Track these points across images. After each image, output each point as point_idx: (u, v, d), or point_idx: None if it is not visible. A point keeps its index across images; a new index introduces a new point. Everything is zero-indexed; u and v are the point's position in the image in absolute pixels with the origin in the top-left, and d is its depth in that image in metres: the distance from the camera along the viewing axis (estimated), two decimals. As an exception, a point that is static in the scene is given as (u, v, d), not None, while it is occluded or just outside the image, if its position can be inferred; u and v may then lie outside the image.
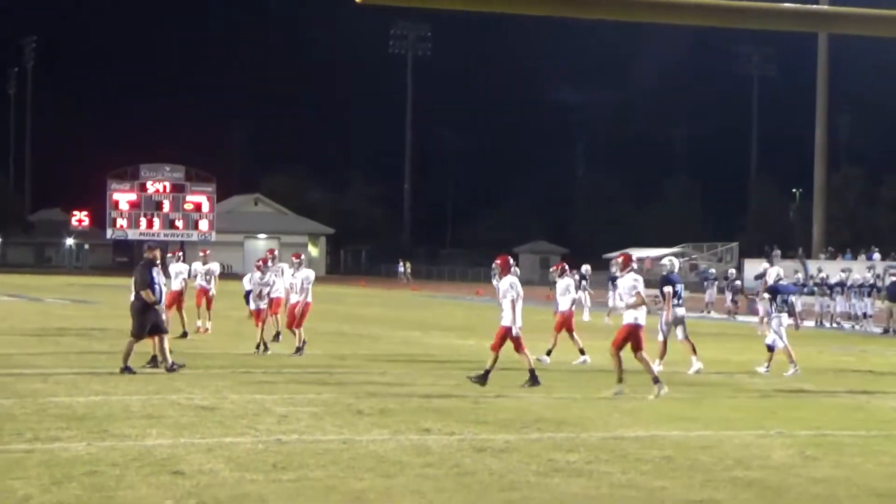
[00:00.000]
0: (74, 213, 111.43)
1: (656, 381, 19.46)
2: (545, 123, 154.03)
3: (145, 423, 15.03)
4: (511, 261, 21.43)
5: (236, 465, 12.33)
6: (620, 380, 19.51)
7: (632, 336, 19.62)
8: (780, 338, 24.37)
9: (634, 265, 20.63)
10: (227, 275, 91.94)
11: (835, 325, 45.87)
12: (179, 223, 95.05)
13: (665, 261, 25.65)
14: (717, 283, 54.83)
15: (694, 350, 24.27)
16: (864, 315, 45.00)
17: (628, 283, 20.01)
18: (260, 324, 26.43)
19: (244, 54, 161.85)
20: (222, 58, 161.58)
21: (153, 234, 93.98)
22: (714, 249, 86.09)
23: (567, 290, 25.67)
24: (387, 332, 34.36)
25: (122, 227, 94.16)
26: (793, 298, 26.02)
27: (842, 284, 45.90)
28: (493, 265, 21.62)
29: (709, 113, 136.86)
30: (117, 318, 29.86)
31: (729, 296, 51.38)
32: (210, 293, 31.84)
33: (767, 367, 24.32)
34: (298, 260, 26.69)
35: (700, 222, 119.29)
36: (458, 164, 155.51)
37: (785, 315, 24.80)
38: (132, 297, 21.87)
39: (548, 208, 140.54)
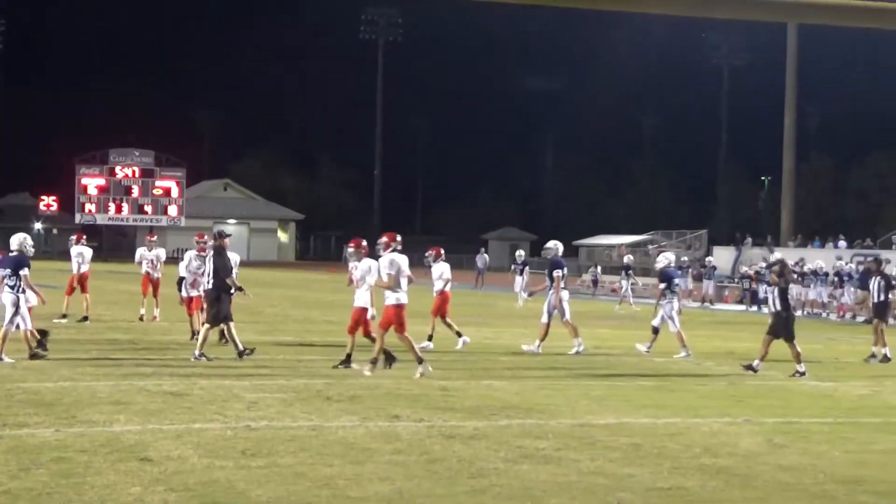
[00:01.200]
0: (43, 197, 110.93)
1: (420, 360, 19.68)
2: (516, 110, 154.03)
3: (113, 409, 15.00)
4: (364, 243, 21.42)
5: (205, 451, 12.31)
6: (377, 359, 19.95)
7: (396, 317, 19.81)
8: (674, 322, 25.05)
9: (399, 246, 20.64)
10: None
11: (807, 313, 46.06)
12: (148, 208, 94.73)
13: (551, 244, 25.86)
14: (691, 270, 54.74)
15: (576, 332, 24.89)
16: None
17: (384, 263, 20.14)
18: (195, 312, 25.22)
19: (215, 39, 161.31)
20: (192, 42, 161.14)
21: (122, 220, 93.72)
22: (683, 237, 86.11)
23: (441, 275, 25.75)
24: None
25: (90, 211, 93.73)
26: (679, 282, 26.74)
27: (815, 273, 46.13)
28: (349, 248, 21.59)
29: (679, 101, 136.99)
30: (84, 303, 29.59)
31: (709, 284, 52.11)
32: (157, 280, 30.55)
33: (649, 347, 25.08)
34: (204, 241, 25.39)
35: (670, 210, 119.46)
36: (428, 151, 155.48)
37: (676, 300, 25.54)
38: (209, 286, 21.88)
39: (518, 195, 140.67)
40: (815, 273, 46.11)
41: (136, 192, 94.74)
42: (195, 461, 11.79)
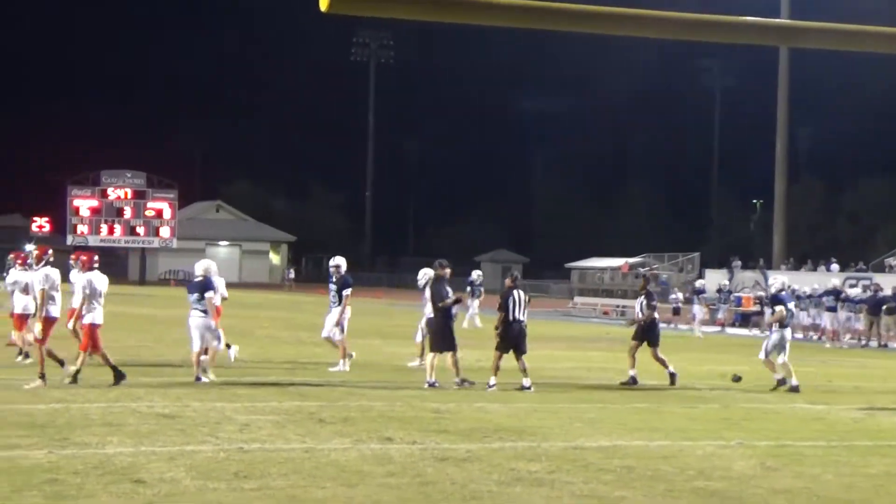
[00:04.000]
0: (35, 218, 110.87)
1: (41, 376, 19.84)
2: (509, 132, 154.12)
3: (106, 431, 14.96)
4: (95, 257, 21.60)
5: (198, 473, 12.29)
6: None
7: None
8: (422, 334, 25.69)
9: (50, 259, 21.47)
10: (187, 282, 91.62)
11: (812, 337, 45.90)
12: (140, 230, 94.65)
13: (338, 261, 25.74)
14: (705, 296, 52.15)
15: (344, 353, 25.08)
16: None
17: (38, 277, 20.77)
18: (23, 328, 24.15)
19: (207, 60, 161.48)
20: (185, 64, 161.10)
21: (114, 241, 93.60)
22: (675, 259, 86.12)
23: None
24: (348, 341, 34.14)
25: (82, 233, 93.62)
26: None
27: (811, 296, 45.94)
28: (72, 260, 21.77)
29: (671, 124, 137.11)
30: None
31: (723, 308, 52.43)
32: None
33: (419, 361, 25.67)
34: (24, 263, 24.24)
35: (663, 233, 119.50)
36: (420, 173, 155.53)
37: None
38: (429, 315, 22.73)
39: (511, 217, 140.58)
40: (809, 296, 45.83)
41: (128, 213, 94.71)
42: (188, 483, 11.77)
